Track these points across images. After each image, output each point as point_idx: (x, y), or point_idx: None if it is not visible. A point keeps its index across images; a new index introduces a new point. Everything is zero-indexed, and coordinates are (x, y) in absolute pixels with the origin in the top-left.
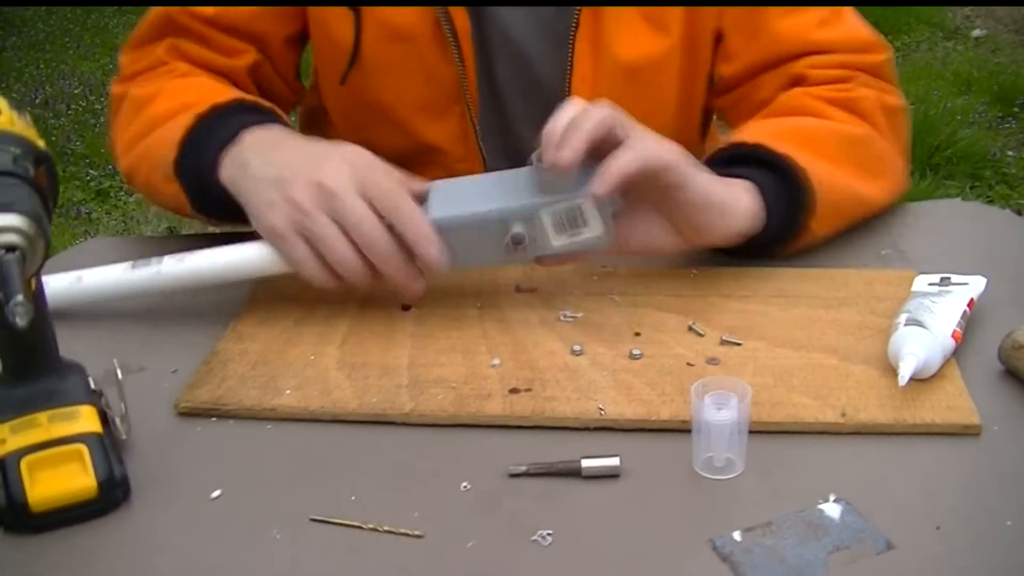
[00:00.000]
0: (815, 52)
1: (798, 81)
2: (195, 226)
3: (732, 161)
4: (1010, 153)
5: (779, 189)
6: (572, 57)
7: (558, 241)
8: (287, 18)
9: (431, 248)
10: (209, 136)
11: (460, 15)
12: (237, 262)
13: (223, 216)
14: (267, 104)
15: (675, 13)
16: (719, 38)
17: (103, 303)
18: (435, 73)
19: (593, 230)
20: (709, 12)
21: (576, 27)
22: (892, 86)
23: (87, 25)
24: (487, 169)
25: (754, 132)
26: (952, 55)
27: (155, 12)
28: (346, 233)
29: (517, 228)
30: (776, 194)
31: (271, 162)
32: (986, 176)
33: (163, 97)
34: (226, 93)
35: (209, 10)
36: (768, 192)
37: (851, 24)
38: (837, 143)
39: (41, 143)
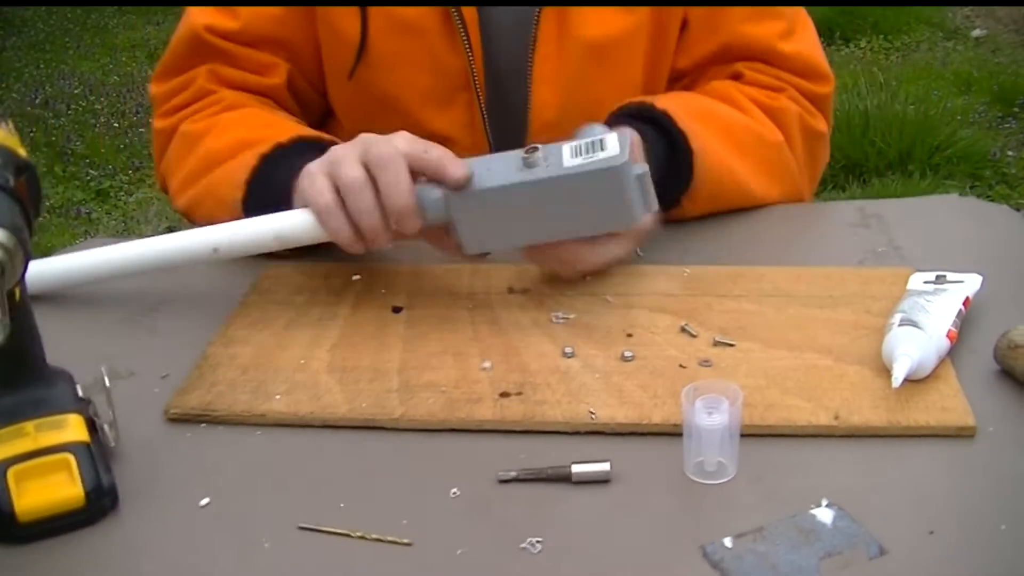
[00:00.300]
0: (766, 60)
1: (734, 76)
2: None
3: (633, 117)
4: (1010, 153)
5: (666, 165)
6: (536, 34)
7: (572, 162)
8: (308, 20)
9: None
10: (273, 177)
11: (468, 9)
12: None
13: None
14: (327, 137)
15: None
16: (684, 26)
17: (99, 304)
18: (442, 63)
19: (610, 151)
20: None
21: (541, 5)
22: (822, 115)
23: (87, 25)
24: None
25: (669, 100)
26: (952, 55)
27: (179, 38)
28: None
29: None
30: (659, 169)
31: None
32: (986, 176)
33: (218, 132)
34: (284, 128)
35: (233, 24)
36: (652, 163)
37: (808, 45)
38: (745, 135)
39: (23, 152)
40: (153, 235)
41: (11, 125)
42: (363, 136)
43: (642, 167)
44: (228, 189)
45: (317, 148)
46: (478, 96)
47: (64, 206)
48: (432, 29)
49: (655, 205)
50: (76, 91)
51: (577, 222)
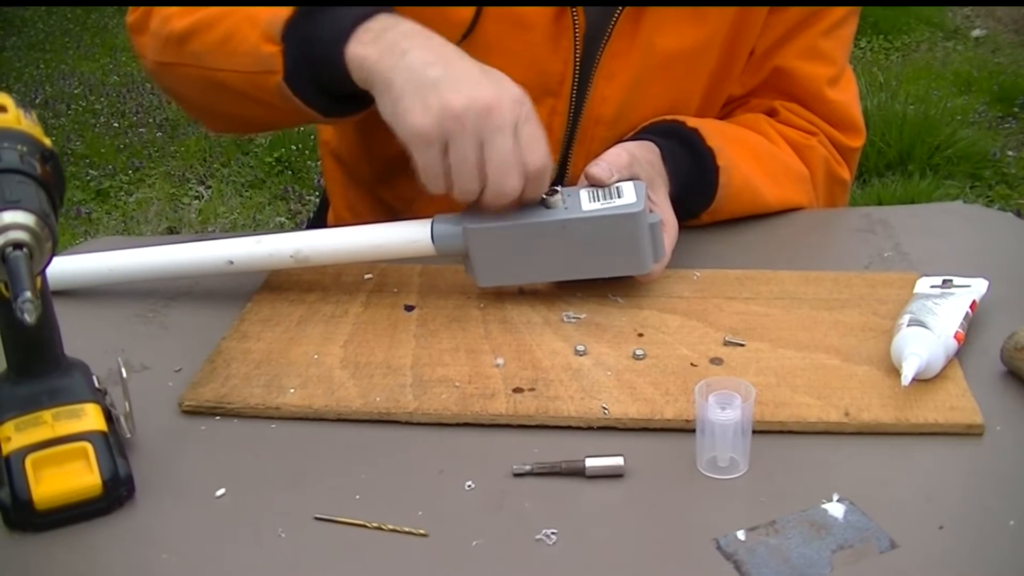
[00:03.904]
0: (806, 102)
1: (770, 113)
2: (194, 227)
3: (662, 133)
4: (1010, 153)
5: (691, 181)
6: (611, 31)
7: (589, 206)
8: None
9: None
10: (338, 7)
11: (580, 11)
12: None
13: (311, 95)
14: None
15: (723, 13)
16: (751, 55)
17: (111, 300)
18: (541, 63)
19: (627, 199)
20: (753, 29)
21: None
22: (848, 167)
23: (87, 25)
24: (563, 162)
25: (699, 120)
26: (952, 55)
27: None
28: (480, 166)
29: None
30: (684, 185)
31: (434, 60)
32: (986, 176)
33: None
34: None
35: None
36: (677, 178)
37: (849, 97)
38: (772, 162)
39: (47, 141)
40: (153, 235)
41: (35, 116)
42: (482, 113)
43: (655, 216)
44: (269, 7)
45: (380, 9)
46: (571, 99)
47: (64, 206)
48: (540, 27)
49: (663, 255)
50: (76, 91)
51: (589, 265)
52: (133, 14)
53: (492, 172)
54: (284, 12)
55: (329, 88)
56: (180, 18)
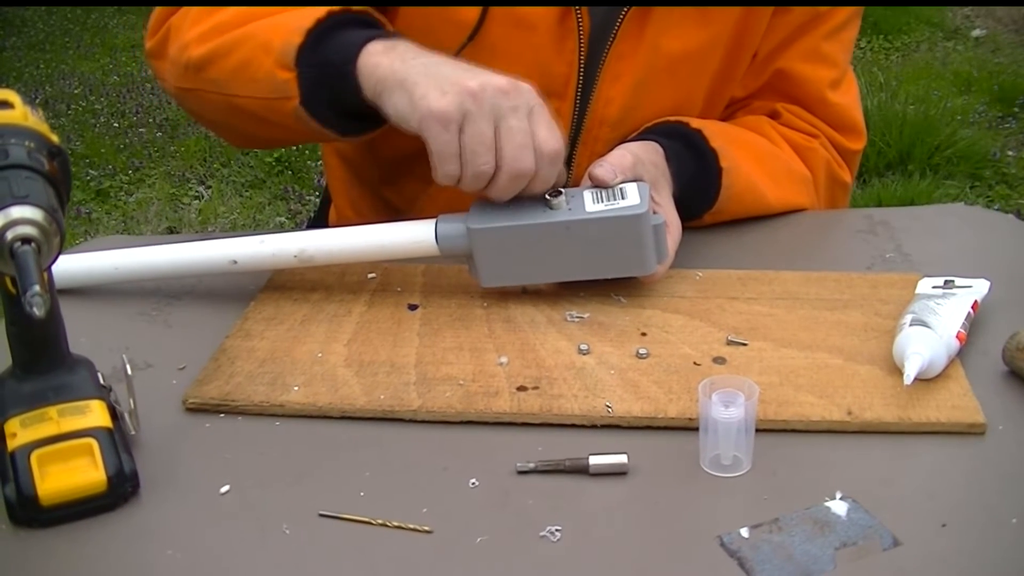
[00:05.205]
0: (808, 105)
1: (772, 115)
2: (194, 227)
3: (665, 134)
4: (1010, 153)
5: (694, 182)
6: (616, 32)
7: (593, 207)
8: None
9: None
10: (348, 29)
11: (584, 12)
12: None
13: (327, 117)
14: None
15: (728, 15)
16: (754, 57)
17: (115, 298)
18: (546, 65)
19: (631, 200)
20: (757, 31)
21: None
22: (849, 169)
23: (87, 25)
24: (567, 163)
25: (703, 121)
26: (952, 55)
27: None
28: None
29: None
30: (687, 186)
31: (445, 61)
32: (986, 176)
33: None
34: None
35: None
36: (680, 179)
37: (851, 99)
38: (775, 164)
39: (54, 137)
40: (153, 235)
41: (41, 112)
42: (502, 112)
43: (659, 218)
44: (281, 34)
45: (388, 33)
46: (576, 100)
47: None
48: (544, 28)
49: (667, 256)
50: (76, 91)
51: (592, 266)
52: (151, 40)
53: (508, 149)
54: (295, 38)
55: (344, 109)
56: (197, 46)
